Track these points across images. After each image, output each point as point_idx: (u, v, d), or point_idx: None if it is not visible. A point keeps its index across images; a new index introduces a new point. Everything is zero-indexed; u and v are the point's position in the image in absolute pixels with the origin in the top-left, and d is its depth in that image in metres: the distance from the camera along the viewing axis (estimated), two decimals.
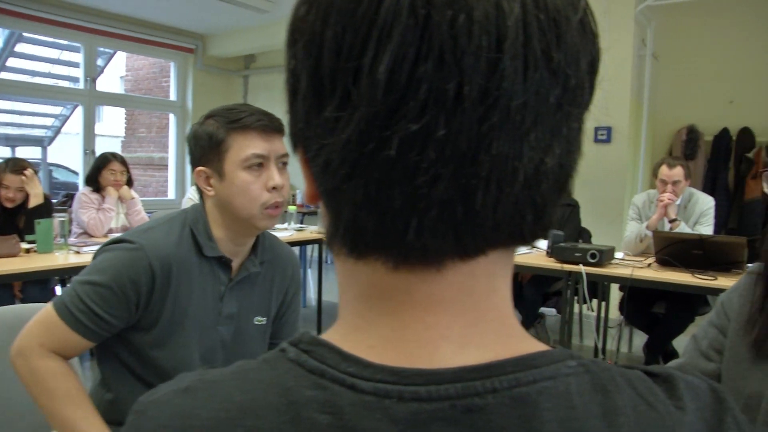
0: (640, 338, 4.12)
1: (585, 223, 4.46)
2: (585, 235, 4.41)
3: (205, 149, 1.36)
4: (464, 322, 0.39)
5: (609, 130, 4.97)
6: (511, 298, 0.43)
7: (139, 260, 1.30)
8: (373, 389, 0.36)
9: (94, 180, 4.27)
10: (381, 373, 0.37)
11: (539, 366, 0.38)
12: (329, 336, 0.41)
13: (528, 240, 0.40)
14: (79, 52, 6.33)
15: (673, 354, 3.88)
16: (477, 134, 0.34)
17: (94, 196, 4.23)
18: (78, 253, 3.39)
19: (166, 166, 8.00)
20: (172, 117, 7.30)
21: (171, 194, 7.33)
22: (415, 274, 0.38)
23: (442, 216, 0.36)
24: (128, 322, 1.33)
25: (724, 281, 2.98)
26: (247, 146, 1.34)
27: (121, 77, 11.57)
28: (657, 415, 0.38)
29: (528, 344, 0.40)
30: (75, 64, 7.04)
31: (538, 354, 0.39)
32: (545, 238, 0.42)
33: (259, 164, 1.34)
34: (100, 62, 6.73)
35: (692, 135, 5.71)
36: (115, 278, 1.29)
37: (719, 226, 5.14)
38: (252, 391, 0.38)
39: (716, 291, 2.90)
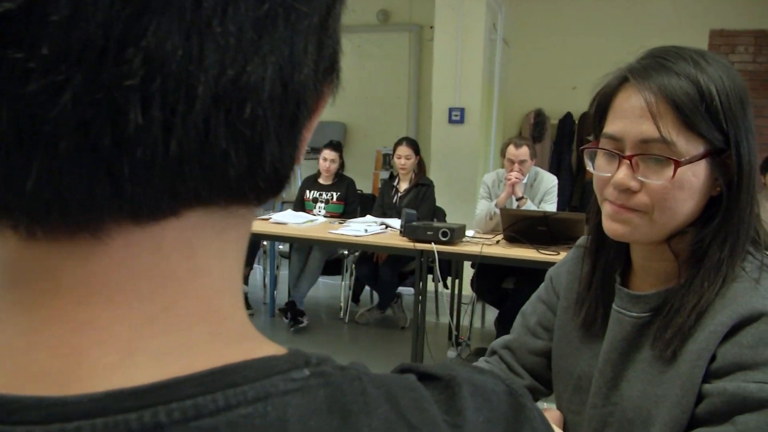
0: (493, 313, 4.25)
1: (440, 202, 4.52)
2: (440, 214, 4.47)
3: None
4: (139, 318, 0.26)
5: (462, 111, 5.06)
6: (235, 283, 0.30)
7: None
8: None
9: None
10: None
11: (242, 383, 0.25)
12: None
13: (242, 191, 0.27)
14: None
15: None
16: (119, 17, 0.21)
17: None
18: None
19: None
20: None
21: None
22: (60, 245, 0.25)
23: (80, 149, 0.23)
24: None
25: None
26: None
27: None
28: None
29: (243, 349, 0.28)
30: None
31: (244, 364, 0.26)
32: (277, 192, 0.30)
33: None
34: None
35: (540, 118, 6.00)
36: None
37: (564, 204, 5.44)
38: None
39: None
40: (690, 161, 0.77)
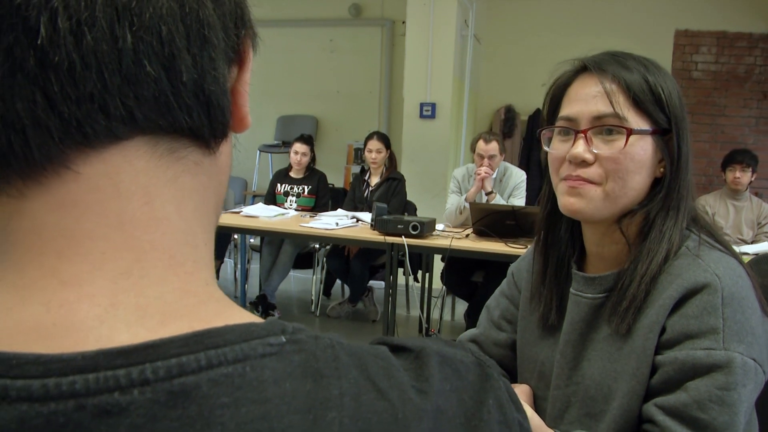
0: (462, 306, 4.31)
1: (410, 196, 4.55)
2: (411, 208, 4.50)
3: None
4: (116, 270, 0.28)
5: (433, 106, 5.10)
6: (196, 238, 0.32)
7: None
8: None
9: None
10: None
11: (221, 345, 0.28)
12: None
13: (172, 111, 0.29)
14: None
15: None
16: None
17: None
18: None
19: None
20: None
21: None
22: (35, 197, 0.27)
23: (13, 72, 0.25)
24: None
25: None
26: None
27: None
28: (386, 404, 0.30)
29: (214, 309, 0.30)
30: None
31: (225, 329, 0.29)
32: (213, 121, 0.32)
33: None
34: None
35: (510, 114, 6.06)
36: None
37: (532, 199, 5.51)
38: None
39: None
40: (639, 132, 0.85)
